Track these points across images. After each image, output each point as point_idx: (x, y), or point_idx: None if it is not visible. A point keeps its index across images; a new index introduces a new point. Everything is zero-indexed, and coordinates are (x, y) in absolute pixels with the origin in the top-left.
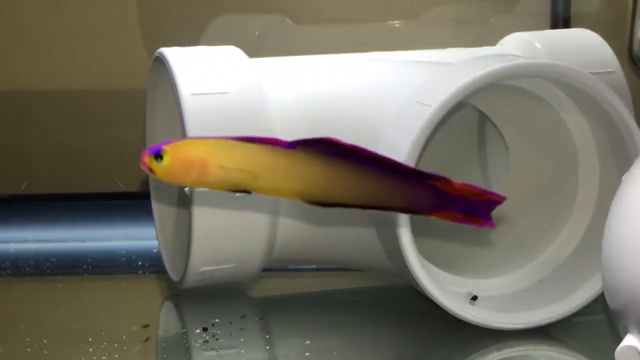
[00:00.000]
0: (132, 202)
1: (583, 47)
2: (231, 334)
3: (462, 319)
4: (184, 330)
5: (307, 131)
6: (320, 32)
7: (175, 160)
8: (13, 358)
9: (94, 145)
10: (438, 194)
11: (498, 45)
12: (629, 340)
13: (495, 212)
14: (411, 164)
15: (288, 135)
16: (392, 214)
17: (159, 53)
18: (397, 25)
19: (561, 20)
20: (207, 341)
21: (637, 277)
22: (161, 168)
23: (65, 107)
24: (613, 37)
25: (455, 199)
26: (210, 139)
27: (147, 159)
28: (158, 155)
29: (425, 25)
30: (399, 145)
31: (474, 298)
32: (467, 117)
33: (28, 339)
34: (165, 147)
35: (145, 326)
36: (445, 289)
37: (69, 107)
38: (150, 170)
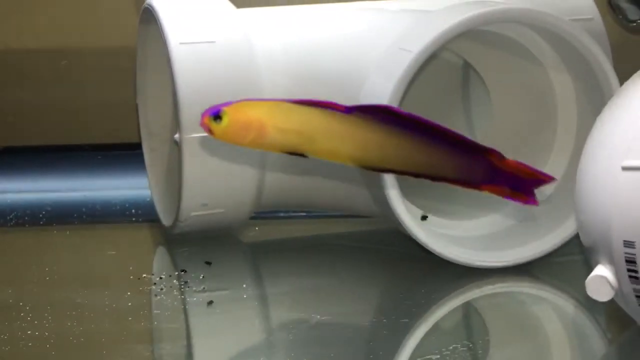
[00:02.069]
0: (125, 153)
1: None
2: (222, 276)
3: (446, 259)
4: (177, 274)
5: (292, 80)
6: None
7: (233, 122)
8: (15, 301)
9: (85, 100)
10: (491, 167)
11: None
12: (599, 270)
13: None
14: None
15: (274, 83)
16: None
17: (148, 4)
18: None
19: None
20: (199, 283)
21: (605, 213)
22: (220, 128)
23: (58, 64)
24: None
25: (506, 174)
26: (269, 101)
27: (207, 119)
28: (217, 116)
29: None
30: (382, 89)
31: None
32: (452, 65)
33: (27, 284)
34: (224, 109)
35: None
36: (429, 230)
37: (61, 63)
38: (210, 130)
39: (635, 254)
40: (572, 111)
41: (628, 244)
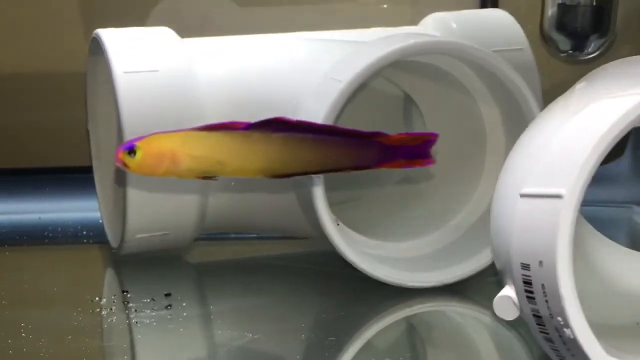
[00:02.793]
0: (77, 176)
1: (495, 26)
2: (168, 296)
3: (375, 279)
4: (123, 294)
5: (234, 106)
6: (263, 14)
7: (147, 154)
8: None
9: (37, 124)
10: (381, 148)
11: (419, 25)
12: (505, 290)
13: (411, 183)
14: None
15: (216, 110)
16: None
17: (95, 34)
18: (335, 6)
19: (490, 0)
20: (147, 303)
21: (506, 237)
22: (135, 162)
23: (8, 89)
24: (534, 18)
25: (397, 148)
26: (178, 132)
27: (121, 155)
28: (131, 151)
29: (362, 6)
30: (315, 117)
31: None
32: (394, 96)
33: None
34: (137, 143)
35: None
36: (360, 250)
37: (13, 89)
38: (125, 165)
39: (530, 276)
40: (500, 140)
41: (524, 266)
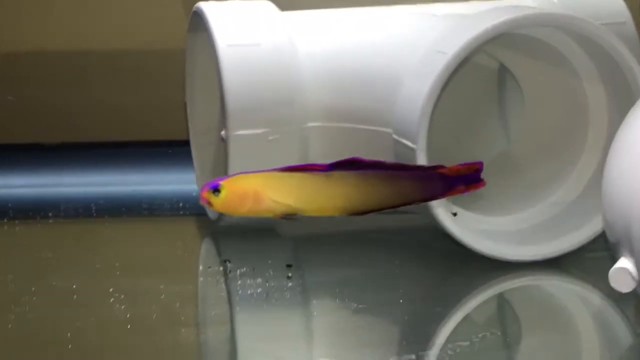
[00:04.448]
0: (174, 150)
1: (596, 0)
2: (264, 268)
3: (477, 253)
4: (222, 266)
5: (333, 81)
6: None
7: (231, 194)
8: (66, 288)
9: (138, 100)
10: (444, 178)
11: None
12: (621, 262)
13: (509, 158)
14: (429, 109)
15: (316, 85)
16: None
17: (197, 8)
18: None
19: None
20: (243, 274)
21: (626, 208)
22: (219, 201)
23: (109, 67)
24: None
25: (455, 178)
26: (261, 173)
27: (206, 193)
28: (215, 190)
29: None
30: (418, 92)
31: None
32: (489, 69)
33: (80, 274)
34: (221, 183)
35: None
36: (463, 225)
37: (113, 66)
38: (209, 203)
39: None
40: (603, 115)
41: None
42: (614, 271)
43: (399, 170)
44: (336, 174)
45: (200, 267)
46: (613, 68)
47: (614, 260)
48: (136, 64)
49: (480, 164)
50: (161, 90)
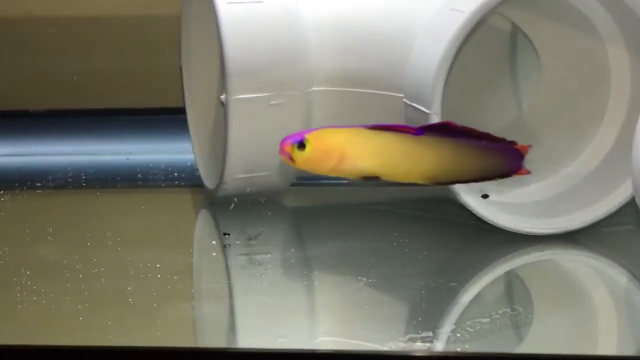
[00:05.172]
0: (168, 117)
1: None
2: (265, 239)
3: (494, 224)
4: (220, 236)
5: (340, 42)
6: None
7: (316, 149)
8: (57, 260)
9: (129, 65)
10: (519, 155)
11: None
12: None
13: (523, 126)
14: (444, 71)
15: (321, 46)
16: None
17: None
18: None
19: None
20: (242, 246)
21: None
22: (302, 157)
23: (99, 31)
24: None
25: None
26: (347, 129)
27: (289, 147)
28: (301, 144)
29: None
30: (432, 52)
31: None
32: (501, 30)
33: (68, 244)
34: (307, 136)
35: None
36: (475, 196)
37: (103, 30)
38: (291, 158)
39: None
40: (627, 79)
41: None
42: None
43: (487, 141)
44: (427, 138)
45: (196, 240)
46: (635, 24)
47: None
48: (129, 29)
49: (526, 147)
50: (155, 55)
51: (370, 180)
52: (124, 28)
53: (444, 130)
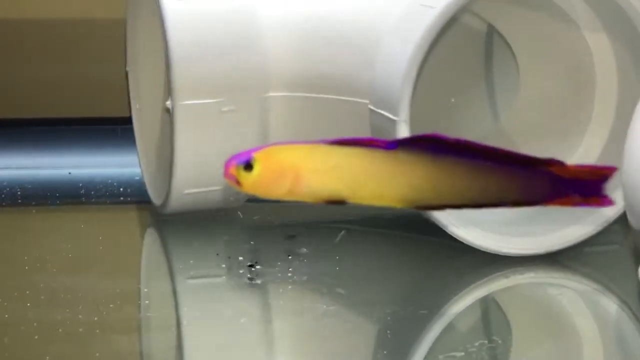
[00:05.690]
0: (113, 127)
1: None
2: (215, 260)
3: (469, 244)
4: (167, 257)
5: (299, 37)
6: None
7: (266, 170)
8: None
9: (72, 73)
10: (552, 179)
11: None
12: None
13: (501, 136)
14: (412, 74)
15: (279, 42)
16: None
17: None
18: None
19: None
20: (190, 268)
21: None
22: (250, 179)
23: (45, 37)
24: None
25: (570, 182)
26: (303, 144)
27: (234, 169)
28: (248, 165)
29: None
30: (400, 53)
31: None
32: (475, 32)
33: (5, 271)
34: (255, 155)
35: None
36: (450, 213)
37: (48, 36)
38: (237, 182)
39: None
40: (612, 79)
41: None
42: None
43: (492, 158)
44: (403, 153)
45: (142, 262)
46: (624, 25)
47: (637, 252)
48: (72, 34)
49: (612, 169)
50: (100, 62)
51: (335, 204)
52: (65, 32)
53: (424, 144)
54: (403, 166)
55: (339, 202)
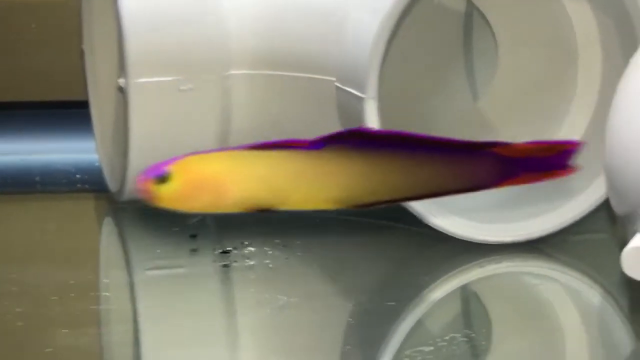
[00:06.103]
0: (70, 112)
1: None
2: (174, 251)
3: (447, 233)
4: (125, 247)
5: (261, 18)
6: None
7: (185, 183)
8: None
9: (24, 55)
10: (501, 161)
11: None
12: (637, 240)
13: (479, 116)
14: (381, 47)
15: (239, 23)
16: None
17: None
18: None
19: None
20: (149, 259)
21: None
22: (167, 193)
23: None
24: None
25: (522, 161)
26: (223, 152)
27: (148, 182)
28: (162, 178)
29: None
30: (368, 26)
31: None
32: (453, 10)
33: None
34: (170, 167)
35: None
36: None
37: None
38: (152, 197)
39: None
40: (597, 57)
41: None
42: (629, 252)
43: (430, 148)
44: (329, 152)
45: (101, 253)
46: (610, 3)
47: (623, 240)
48: (25, 16)
49: (575, 144)
50: (54, 41)
51: (265, 213)
52: (17, 14)
53: (351, 140)
54: (330, 166)
55: (268, 211)
